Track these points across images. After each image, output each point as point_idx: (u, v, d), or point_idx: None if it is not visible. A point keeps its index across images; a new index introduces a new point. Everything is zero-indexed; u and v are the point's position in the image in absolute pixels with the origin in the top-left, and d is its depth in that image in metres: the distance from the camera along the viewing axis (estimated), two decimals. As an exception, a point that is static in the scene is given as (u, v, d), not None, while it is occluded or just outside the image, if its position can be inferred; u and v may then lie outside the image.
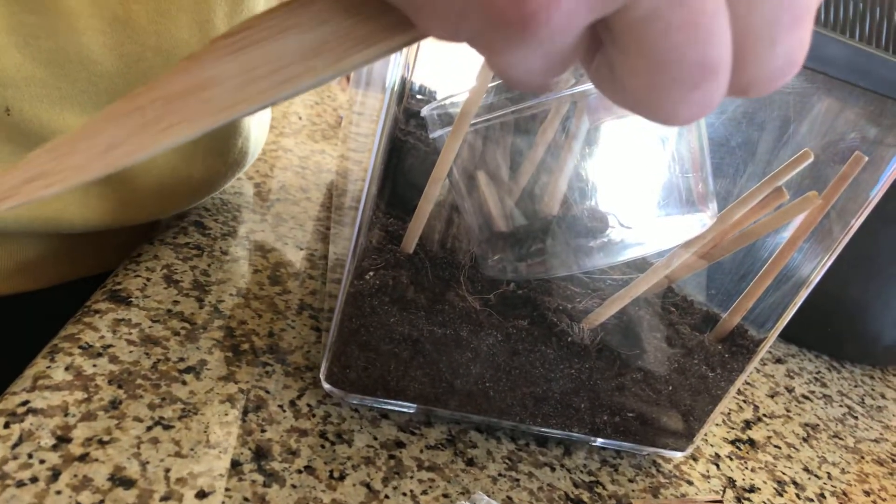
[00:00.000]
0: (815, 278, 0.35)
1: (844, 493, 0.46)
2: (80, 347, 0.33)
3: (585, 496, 0.36)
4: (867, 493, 0.47)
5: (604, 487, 0.37)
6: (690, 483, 0.41)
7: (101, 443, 0.29)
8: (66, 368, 0.32)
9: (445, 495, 0.33)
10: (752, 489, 0.42)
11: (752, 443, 0.48)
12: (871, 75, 0.28)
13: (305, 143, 0.71)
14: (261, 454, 0.31)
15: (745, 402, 0.53)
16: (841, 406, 0.59)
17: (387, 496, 0.31)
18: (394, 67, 0.28)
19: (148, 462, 0.29)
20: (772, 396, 0.56)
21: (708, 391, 0.38)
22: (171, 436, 0.30)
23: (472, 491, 0.33)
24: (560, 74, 0.16)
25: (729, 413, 0.51)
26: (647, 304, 0.37)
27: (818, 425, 0.54)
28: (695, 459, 0.43)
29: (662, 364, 0.36)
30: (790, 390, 0.58)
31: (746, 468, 0.45)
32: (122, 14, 0.34)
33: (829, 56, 0.27)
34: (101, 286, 0.39)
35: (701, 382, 0.37)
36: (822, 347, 0.69)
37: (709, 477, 0.42)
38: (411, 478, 0.33)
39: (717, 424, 0.48)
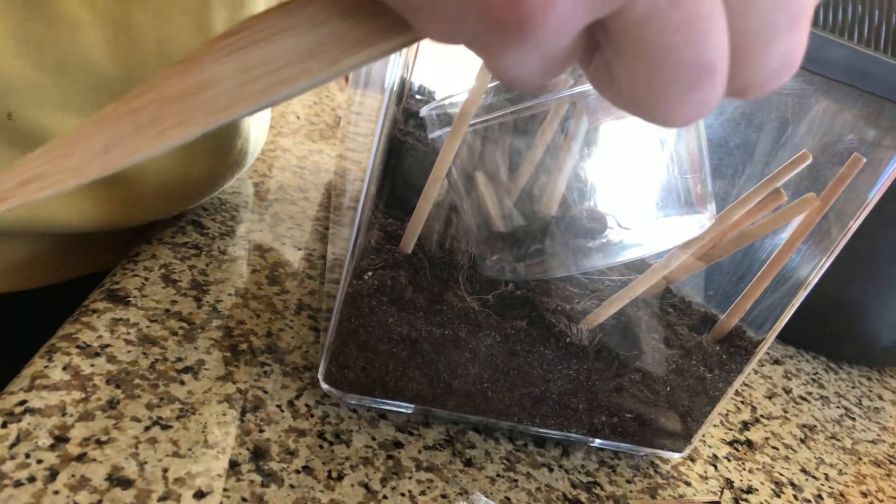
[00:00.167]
0: (814, 280, 0.36)
1: (842, 495, 0.46)
2: (77, 347, 0.33)
3: (583, 497, 0.36)
4: (864, 495, 0.47)
5: (602, 488, 0.37)
6: (688, 484, 0.41)
7: (99, 443, 0.29)
8: (64, 368, 0.32)
9: (444, 496, 0.33)
10: (749, 490, 0.43)
11: (749, 444, 0.48)
12: (870, 77, 0.28)
13: (304, 143, 0.71)
14: (259, 454, 0.31)
15: (742, 403, 0.54)
16: (838, 407, 0.59)
17: (385, 496, 0.31)
18: (393, 67, 0.28)
19: (146, 462, 0.29)
20: (769, 397, 0.56)
21: (706, 392, 0.38)
22: (169, 436, 0.30)
23: (471, 491, 0.33)
24: (557, 76, 0.16)
25: (727, 414, 0.51)
26: (645, 305, 0.37)
27: (816, 426, 0.54)
28: (692, 460, 0.43)
29: (660, 365, 0.36)
30: (788, 391, 0.58)
31: (744, 469, 0.45)
32: (123, 20, 0.34)
33: (827, 58, 0.27)
34: (98, 286, 0.39)
35: (699, 383, 0.37)
36: (820, 349, 0.69)
37: (706, 478, 0.42)
38: (409, 478, 0.33)
39: (714, 425, 0.48)
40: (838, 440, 0.54)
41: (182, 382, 0.33)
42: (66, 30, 0.33)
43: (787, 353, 0.66)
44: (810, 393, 0.60)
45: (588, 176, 0.31)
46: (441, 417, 0.37)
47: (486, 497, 0.33)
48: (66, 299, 0.39)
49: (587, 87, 0.29)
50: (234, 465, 0.30)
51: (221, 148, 0.46)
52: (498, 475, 0.35)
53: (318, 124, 0.78)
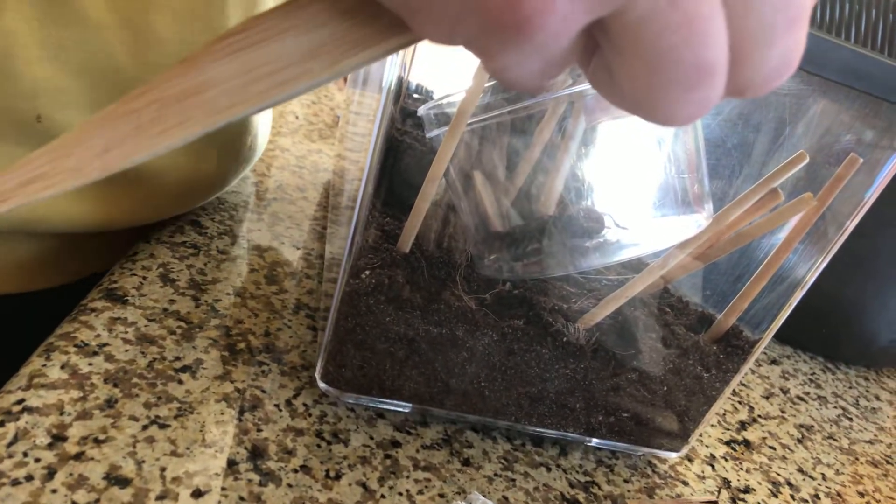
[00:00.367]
0: (810, 279, 0.36)
1: (839, 495, 0.46)
2: (75, 346, 0.33)
3: (581, 496, 0.36)
4: (861, 495, 0.47)
5: (599, 488, 0.37)
6: (685, 484, 0.41)
7: (97, 441, 0.29)
8: (62, 367, 0.32)
9: (441, 495, 0.33)
10: (746, 490, 0.43)
11: (747, 444, 0.48)
12: (867, 78, 0.28)
13: (302, 143, 0.71)
14: (257, 453, 0.31)
15: (740, 403, 0.54)
16: (835, 407, 0.60)
17: (383, 496, 0.31)
18: (390, 67, 0.28)
19: (144, 461, 0.29)
20: (767, 397, 0.56)
21: (703, 392, 0.38)
22: (167, 435, 0.30)
23: (469, 491, 0.33)
24: (556, 77, 0.16)
25: (724, 414, 0.51)
26: (642, 305, 0.37)
27: (813, 426, 0.54)
28: (690, 460, 0.43)
29: (658, 364, 0.36)
30: (785, 391, 0.59)
31: (741, 469, 0.45)
32: (144, 24, 0.35)
33: (824, 58, 0.27)
34: (97, 285, 0.39)
35: (696, 383, 0.37)
36: (817, 349, 0.69)
37: (704, 478, 0.42)
38: (407, 477, 0.33)
39: (712, 425, 0.49)
40: (835, 440, 0.54)
41: (180, 381, 0.33)
42: (89, 32, 0.34)
43: (784, 353, 0.67)
44: (807, 393, 0.60)
45: (585, 175, 0.32)
46: (439, 417, 0.37)
47: (484, 496, 0.33)
48: (67, 299, 0.39)
49: (585, 86, 0.29)
50: (231, 464, 0.30)
51: (233, 144, 0.47)
52: (496, 474, 0.35)
53: (316, 124, 0.78)
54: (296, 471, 0.31)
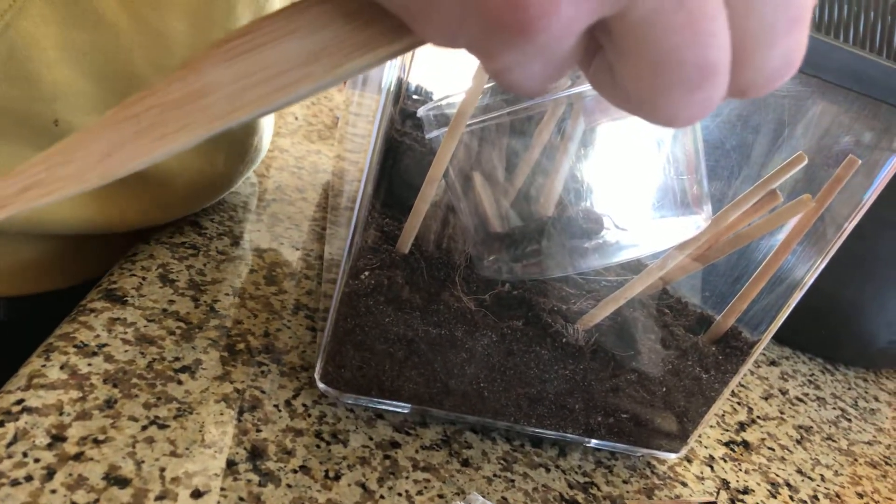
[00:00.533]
0: (809, 281, 0.36)
1: (838, 496, 0.46)
2: (75, 346, 0.33)
3: (580, 497, 0.36)
4: (860, 496, 0.47)
5: (598, 488, 0.37)
6: (684, 484, 0.41)
7: (96, 442, 0.29)
8: (62, 367, 0.32)
9: (441, 496, 0.33)
10: (745, 491, 0.43)
11: (745, 445, 0.48)
12: (866, 80, 0.28)
13: (302, 144, 0.71)
14: (256, 454, 0.31)
15: (739, 404, 0.54)
16: (834, 408, 0.60)
17: (382, 496, 0.31)
18: (390, 68, 0.28)
19: (143, 461, 0.29)
20: (766, 398, 0.56)
21: (702, 393, 0.38)
22: (167, 435, 0.30)
23: (468, 491, 0.33)
24: (558, 79, 0.16)
25: (723, 415, 0.51)
26: (641, 306, 0.37)
27: (812, 427, 0.55)
28: (689, 461, 0.43)
29: (657, 365, 0.36)
30: (784, 392, 0.59)
31: (740, 470, 0.45)
32: (161, 29, 0.36)
33: (823, 60, 0.27)
34: (96, 285, 0.39)
35: (695, 384, 0.37)
36: (816, 350, 0.69)
37: (703, 478, 0.42)
38: (406, 478, 0.33)
39: (711, 426, 0.49)
40: (834, 441, 0.54)
41: (179, 382, 0.33)
42: (110, 39, 0.34)
43: (783, 354, 0.67)
44: (806, 394, 0.60)
45: (584, 177, 0.32)
46: (438, 417, 0.37)
47: (483, 497, 0.33)
48: (67, 300, 0.39)
49: (584, 87, 0.29)
50: (231, 464, 0.30)
51: (241, 146, 0.47)
52: (495, 475, 0.35)
53: (316, 125, 0.78)
54: (295, 471, 0.31)
